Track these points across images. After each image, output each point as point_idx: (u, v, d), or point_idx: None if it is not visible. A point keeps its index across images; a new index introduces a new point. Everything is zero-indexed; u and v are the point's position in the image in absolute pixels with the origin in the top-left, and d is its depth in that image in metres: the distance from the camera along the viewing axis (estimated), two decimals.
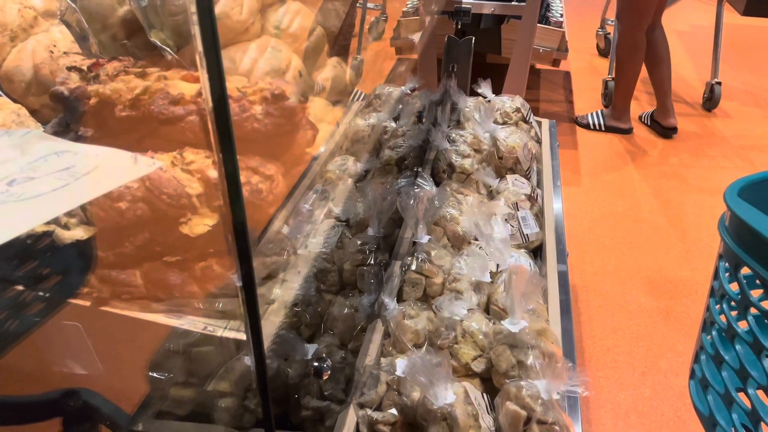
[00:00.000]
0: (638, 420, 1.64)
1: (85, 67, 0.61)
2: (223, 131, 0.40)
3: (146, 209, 0.54)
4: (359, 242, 1.08)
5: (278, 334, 0.83)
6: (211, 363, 0.62)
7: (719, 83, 3.28)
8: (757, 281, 0.60)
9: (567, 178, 2.73)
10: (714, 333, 0.68)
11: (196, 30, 0.36)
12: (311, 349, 0.83)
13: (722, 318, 0.66)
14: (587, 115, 3.17)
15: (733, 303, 0.63)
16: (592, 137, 3.09)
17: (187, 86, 0.59)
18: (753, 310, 0.62)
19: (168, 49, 0.63)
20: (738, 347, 0.62)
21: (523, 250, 1.25)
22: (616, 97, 3.05)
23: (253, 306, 0.45)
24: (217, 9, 0.66)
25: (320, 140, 0.66)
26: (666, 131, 2.99)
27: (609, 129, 3.10)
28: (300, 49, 0.72)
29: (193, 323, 0.56)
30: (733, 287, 0.64)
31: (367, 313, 0.96)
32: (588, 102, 3.44)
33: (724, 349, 0.66)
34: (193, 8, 0.36)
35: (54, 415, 1.10)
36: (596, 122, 3.13)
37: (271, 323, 0.85)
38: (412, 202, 1.05)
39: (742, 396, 0.63)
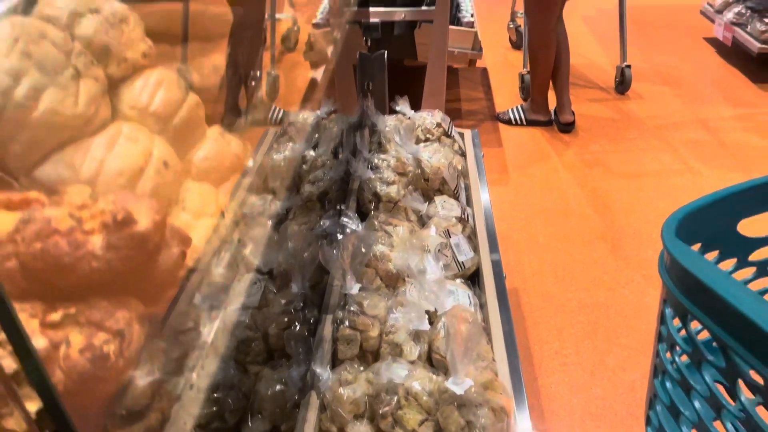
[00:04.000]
0: (594, 423, 1.63)
1: None
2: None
3: None
4: (283, 301, 0.99)
5: None
6: None
7: (629, 66, 3.38)
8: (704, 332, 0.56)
9: (495, 178, 2.72)
10: (668, 383, 0.64)
11: None
12: None
13: (674, 366, 0.62)
14: (508, 111, 3.18)
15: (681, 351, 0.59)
16: (515, 132, 3.11)
17: (3, 218, 0.46)
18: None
19: None
20: (696, 403, 0.58)
21: (459, 281, 1.19)
22: (533, 91, 3.07)
23: None
24: (41, 106, 0.53)
25: (200, 243, 0.55)
26: (564, 127, 3.04)
27: (530, 122, 3.12)
28: (168, 129, 0.61)
29: None
30: (682, 333, 0.59)
31: (299, 387, 0.86)
32: (507, 97, 3.46)
33: (680, 402, 0.61)
34: None
35: None
36: (517, 117, 3.14)
37: (188, 415, 0.73)
38: (335, 252, 0.97)
39: None
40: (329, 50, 2.77)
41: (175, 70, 0.64)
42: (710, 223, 0.68)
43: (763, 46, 3.44)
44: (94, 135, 0.55)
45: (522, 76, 3.37)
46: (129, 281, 0.47)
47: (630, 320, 1.95)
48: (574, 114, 3.04)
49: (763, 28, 3.51)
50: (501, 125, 3.17)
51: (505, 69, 3.86)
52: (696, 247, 0.69)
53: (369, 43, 2.13)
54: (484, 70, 3.86)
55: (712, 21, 4.02)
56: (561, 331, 1.93)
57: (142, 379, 0.48)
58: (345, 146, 1.45)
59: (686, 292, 0.56)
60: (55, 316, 0.44)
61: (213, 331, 0.60)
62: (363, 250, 0.99)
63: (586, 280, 2.12)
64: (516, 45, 4.13)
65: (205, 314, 0.62)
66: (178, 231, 0.51)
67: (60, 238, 0.43)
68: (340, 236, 1.06)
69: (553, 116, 3.11)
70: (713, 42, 4.15)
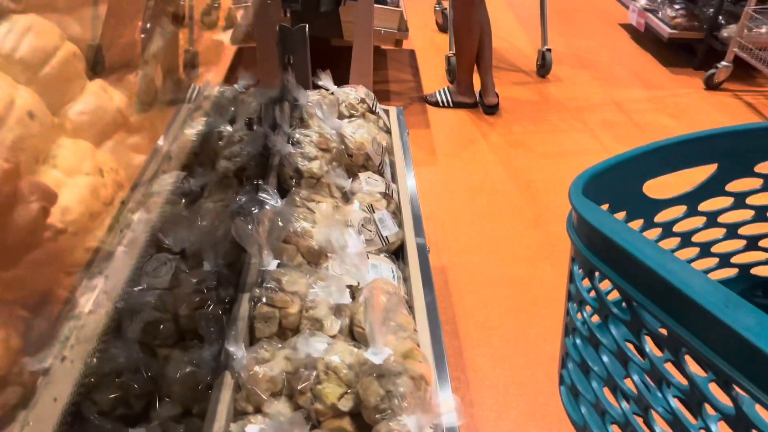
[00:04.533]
0: (517, 391, 1.68)
1: None
2: None
3: None
4: (195, 280, 0.93)
5: (93, 423, 0.67)
6: None
7: (549, 50, 3.48)
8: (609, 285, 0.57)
9: (423, 159, 2.74)
10: (578, 341, 0.65)
11: None
12: None
13: (584, 325, 0.63)
14: (435, 93, 3.20)
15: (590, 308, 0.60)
16: (443, 114, 3.13)
17: None
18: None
19: None
20: (604, 357, 0.59)
21: (383, 255, 1.18)
22: (458, 73, 3.10)
23: None
24: None
25: (72, 201, 0.49)
26: (488, 109, 3.10)
27: (456, 105, 3.15)
28: (37, 79, 0.54)
29: None
30: (591, 294, 0.60)
31: (212, 368, 0.82)
32: (434, 79, 3.48)
33: (590, 358, 0.63)
34: None
35: None
36: (444, 99, 3.17)
37: (58, 391, 0.65)
38: (250, 227, 0.92)
39: (614, 403, 0.61)
40: (250, 26, 2.67)
41: (56, 22, 0.57)
42: (617, 183, 0.70)
43: (673, 31, 3.64)
44: None
45: (448, 59, 3.40)
46: None
47: (550, 292, 2.02)
48: (498, 96, 3.10)
49: (673, 14, 3.71)
50: (429, 107, 3.18)
51: (432, 51, 3.88)
52: (604, 207, 0.71)
53: (290, 16, 2.07)
54: (412, 52, 3.86)
55: (627, 7, 4.20)
56: (486, 305, 1.97)
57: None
58: (264, 120, 1.40)
59: (593, 248, 0.57)
60: None
61: (91, 300, 0.55)
62: (280, 224, 0.95)
63: (509, 256, 2.18)
64: (442, 28, 4.15)
65: (84, 282, 0.56)
66: (38, 185, 0.45)
67: None
68: (255, 211, 1.01)
69: (478, 98, 3.15)
70: (627, 27, 4.35)
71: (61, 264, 0.49)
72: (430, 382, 0.81)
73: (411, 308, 1.07)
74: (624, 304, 0.58)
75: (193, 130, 1.35)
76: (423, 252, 1.21)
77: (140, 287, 0.89)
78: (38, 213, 0.43)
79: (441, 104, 3.17)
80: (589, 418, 0.66)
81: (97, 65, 0.65)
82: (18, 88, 0.50)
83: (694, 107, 3.33)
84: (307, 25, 1.75)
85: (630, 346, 0.63)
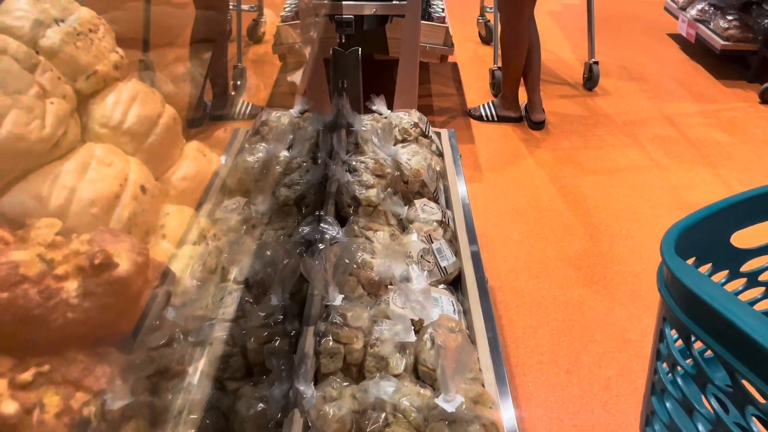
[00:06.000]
0: (570, 422, 1.64)
1: None
2: None
3: None
4: (262, 314, 0.94)
5: None
6: None
7: (596, 62, 3.42)
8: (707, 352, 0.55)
9: (468, 175, 2.71)
10: (668, 404, 0.63)
11: None
12: None
13: (675, 386, 0.61)
14: (479, 107, 3.18)
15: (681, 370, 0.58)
16: (487, 129, 3.11)
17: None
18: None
19: None
20: (699, 426, 0.57)
21: (442, 287, 1.17)
22: (504, 87, 3.07)
23: None
24: (3, 131, 0.46)
25: (184, 273, 0.51)
26: (534, 125, 3.06)
27: (501, 119, 3.12)
28: (143, 149, 0.54)
29: None
30: (688, 361, 0.58)
31: (281, 406, 0.83)
32: (478, 92, 3.46)
33: (682, 424, 0.60)
34: None
35: None
36: (488, 113, 3.14)
37: None
38: (317, 263, 0.93)
39: None
40: (299, 44, 2.71)
41: (147, 79, 0.58)
42: (704, 236, 0.67)
43: (726, 42, 3.53)
44: (63, 160, 0.49)
45: (492, 72, 3.37)
46: (110, 328, 0.42)
47: (604, 317, 1.97)
48: (544, 112, 3.06)
49: (725, 25, 3.59)
50: (473, 121, 3.16)
51: (475, 64, 3.86)
52: (691, 261, 0.68)
53: (342, 39, 2.08)
54: (455, 66, 3.85)
55: (676, 17, 4.09)
56: (536, 329, 1.94)
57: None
58: (322, 147, 1.41)
59: (688, 311, 0.55)
60: (27, 375, 0.38)
61: (197, 373, 0.56)
62: (346, 260, 0.95)
63: (560, 277, 2.14)
64: (485, 40, 4.13)
65: (193, 355, 0.58)
66: (159, 266, 0.46)
67: (29, 287, 0.37)
68: (321, 245, 1.02)
69: (523, 113, 3.12)
70: (677, 38, 4.24)
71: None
72: (501, 429, 0.80)
73: (473, 342, 1.05)
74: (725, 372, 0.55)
75: (253, 157, 1.37)
76: (482, 284, 1.19)
77: (210, 322, 0.91)
78: (162, 297, 0.45)
79: (485, 118, 3.14)
80: None
81: (194, 122, 0.67)
82: (130, 162, 0.51)
83: (749, 122, 3.21)
84: (360, 49, 1.76)
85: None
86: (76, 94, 0.53)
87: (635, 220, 2.43)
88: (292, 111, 1.59)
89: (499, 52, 3.06)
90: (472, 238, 1.33)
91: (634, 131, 3.09)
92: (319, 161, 1.32)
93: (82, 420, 0.40)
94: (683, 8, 4.02)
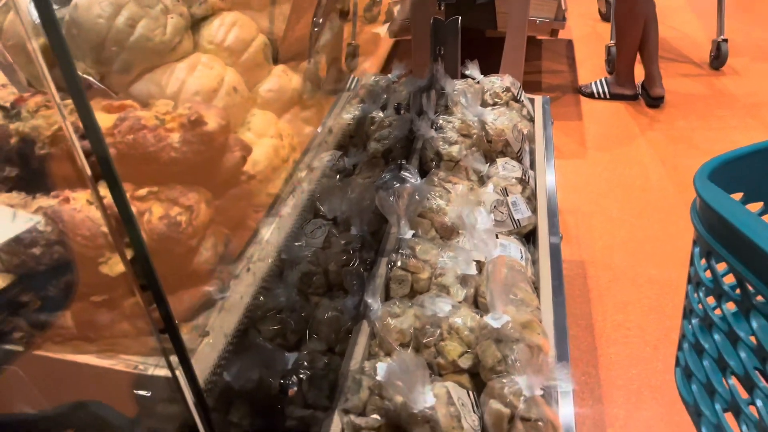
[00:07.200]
0: (651, 395, 1.62)
1: (8, 104, 0.60)
2: (104, 167, 0.39)
3: (63, 252, 0.53)
4: (343, 242, 1.07)
5: (259, 345, 0.83)
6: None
7: (725, 40, 3.17)
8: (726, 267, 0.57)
9: (572, 151, 2.68)
10: (694, 321, 0.66)
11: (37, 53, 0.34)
12: (292, 358, 0.82)
13: (700, 306, 0.63)
14: (591, 83, 3.09)
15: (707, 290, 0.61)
16: (598, 106, 3.02)
17: (105, 117, 0.58)
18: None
19: (91, 78, 0.62)
20: (716, 336, 0.59)
21: (514, 237, 1.23)
22: (618, 64, 2.96)
23: (178, 342, 0.44)
24: (137, 33, 0.64)
25: (260, 156, 0.64)
26: (653, 101, 2.90)
27: (614, 96, 3.02)
28: (239, 63, 0.70)
29: (125, 362, 0.56)
30: (707, 274, 0.61)
31: (352, 315, 0.95)
32: (592, 70, 3.35)
33: (703, 338, 0.63)
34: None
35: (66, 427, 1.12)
36: (600, 90, 3.05)
37: (243, 291, 0.81)
38: (391, 199, 1.04)
39: (724, 383, 0.61)
40: (409, 20, 2.82)
41: (251, 17, 0.73)
42: (755, 173, 0.67)
43: None
44: (178, 61, 0.67)
45: (609, 48, 3.25)
46: (199, 173, 0.57)
47: None
48: (663, 88, 2.91)
49: None
50: (583, 99, 3.08)
51: (592, 41, 3.73)
52: (737, 196, 0.69)
53: (443, 9, 2.16)
54: (570, 42, 3.74)
55: None
56: (626, 305, 1.90)
57: (206, 250, 0.58)
58: (411, 107, 1.51)
59: (711, 230, 0.57)
60: (142, 192, 0.55)
61: (269, 232, 0.69)
62: (417, 197, 1.05)
63: (658, 256, 2.07)
64: (605, 17, 3.96)
65: (264, 219, 0.71)
66: (240, 140, 0.60)
67: (147, 132, 0.54)
68: (397, 186, 1.13)
69: (640, 90, 2.98)
70: None
71: (250, 201, 0.65)
72: (547, 352, 0.86)
73: (537, 289, 1.11)
74: (738, 290, 0.57)
75: (350, 114, 1.51)
76: (555, 237, 1.23)
77: (300, 243, 1.06)
78: (239, 160, 0.59)
79: (597, 95, 3.05)
80: (699, 398, 0.66)
81: (276, 53, 0.81)
82: (226, 69, 0.66)
83: None
84: (460, 18, 1.83)
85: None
86: (191, 16, 0.70)
87: None
88: (389, 75, 1.71)
89: (614, 27, 2.95)
90: (552, 197, 1.36)
91: (762, 114, 2.84)
92: (406, 118, 1.43)
93: (176, 221, 0.55)
94: None
